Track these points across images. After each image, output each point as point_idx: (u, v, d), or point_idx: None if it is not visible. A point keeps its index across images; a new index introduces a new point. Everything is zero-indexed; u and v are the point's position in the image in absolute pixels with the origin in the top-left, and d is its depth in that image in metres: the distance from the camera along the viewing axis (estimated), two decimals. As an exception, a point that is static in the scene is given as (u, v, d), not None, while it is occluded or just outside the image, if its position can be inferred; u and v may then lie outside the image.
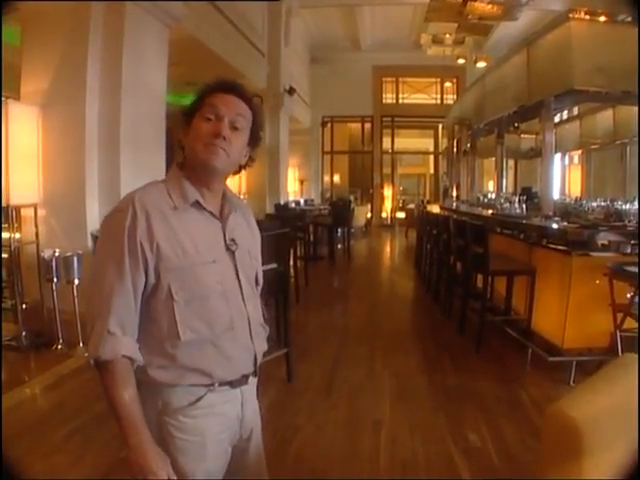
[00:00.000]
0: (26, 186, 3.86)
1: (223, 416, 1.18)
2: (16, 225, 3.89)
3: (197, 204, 1.15)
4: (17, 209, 3.91)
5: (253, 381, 1.27)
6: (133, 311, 1.09)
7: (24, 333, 3.81)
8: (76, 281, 3.74)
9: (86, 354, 1.08)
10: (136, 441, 1.05)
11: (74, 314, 3.75)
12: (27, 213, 3.99)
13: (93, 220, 4.03)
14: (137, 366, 1.09)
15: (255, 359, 1.22)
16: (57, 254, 3.71)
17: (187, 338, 1.10)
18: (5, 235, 3.86)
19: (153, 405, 1.12)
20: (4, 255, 3.91)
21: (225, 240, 1.18)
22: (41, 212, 4.03)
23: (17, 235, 3.91)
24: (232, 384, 1.18)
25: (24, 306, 3.91)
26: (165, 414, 1.13)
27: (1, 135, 3.52)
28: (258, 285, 1.30)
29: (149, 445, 1.06)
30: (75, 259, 3.72)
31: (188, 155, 1.15)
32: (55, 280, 3.73)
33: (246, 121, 1.17)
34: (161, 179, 1.19)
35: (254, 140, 1.22)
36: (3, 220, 3.86)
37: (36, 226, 3.99)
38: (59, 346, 3.79)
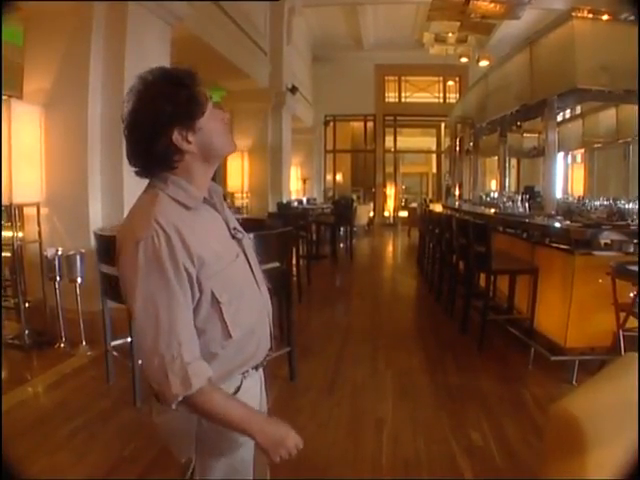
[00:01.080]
0: (29, 185, 3.87)
1: (253, 399, 1.22)
2: (19, 224, 3.91)
3: (204, 201, 1.14)
4: (20, 208, 3.92)
5: None
6: (195, 332, 1.07)
7: (27, 332, 3.82)
8: (79, 280, 3.75)
9: (175, 394, 1.02)
10: (256, 427, 1.08)
11: (77, 313, 3.76)
12: (30, 212, 4.00)
13: (96, 219, 4.05)
14: None
15: (271, 333, 1.26)
16: (60, 253, 3.73)
17: (237, 335, 1.11)
18: (8, 234, 3.88)
19: None
20: (7, 254, 3.93)
21: (230, 230, 1.20)
22: (44, 211, 4.04)
23: (20, 234, 3.93)
24: (257, 366, 1.23)
25: (27, 305, 3.94)
26: None
27: (1, 134, 3.53)
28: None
29: (268, 422, 1.12)
30: (78, 258, 3.73)
31: (205, 153, 1.11)
32: (58, 279, 3.75)
33: None
34: (150, 192, 1.10)
35: None
36: (6, 219, 3.88)
37: (39, 225, 4.00)
38: (61, 345, 3.81)
